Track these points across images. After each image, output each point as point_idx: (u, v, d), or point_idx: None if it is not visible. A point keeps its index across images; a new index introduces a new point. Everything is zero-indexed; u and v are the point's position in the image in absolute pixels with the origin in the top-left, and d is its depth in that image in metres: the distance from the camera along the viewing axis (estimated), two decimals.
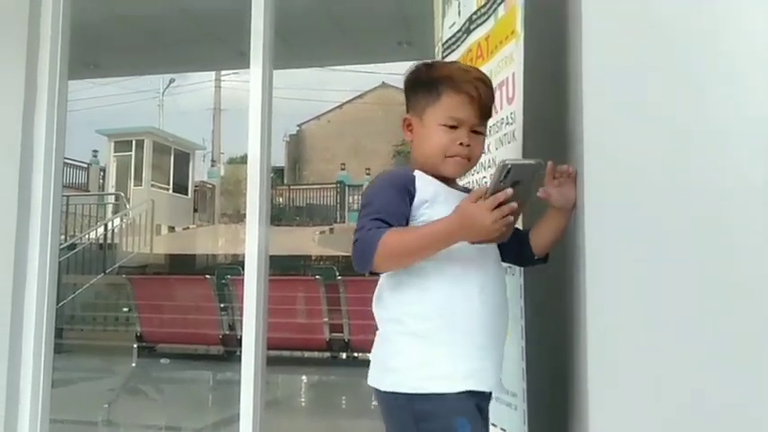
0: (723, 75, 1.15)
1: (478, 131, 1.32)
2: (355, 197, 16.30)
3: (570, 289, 1.47)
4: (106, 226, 8.97)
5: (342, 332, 4.20)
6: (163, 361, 4.48)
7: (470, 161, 1.33)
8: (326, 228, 11.37)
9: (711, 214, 1.12)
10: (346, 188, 16.43)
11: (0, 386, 2.82)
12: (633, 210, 1.16)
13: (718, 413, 1.09)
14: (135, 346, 4.47)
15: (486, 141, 1.77)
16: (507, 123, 1.66)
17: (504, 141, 1.68)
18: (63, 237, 6.71)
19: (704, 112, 1.15)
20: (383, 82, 19.45)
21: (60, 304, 4.10)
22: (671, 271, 1.13)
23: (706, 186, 1.13)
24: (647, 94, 1.18)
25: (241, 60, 2.95)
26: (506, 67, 1.66)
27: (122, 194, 10.49)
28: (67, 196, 9.05)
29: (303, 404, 5.03)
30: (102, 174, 14.90)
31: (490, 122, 1.75)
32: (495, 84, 1.72)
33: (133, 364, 4.68)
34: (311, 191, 17.23)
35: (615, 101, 1.20)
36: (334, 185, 16.57)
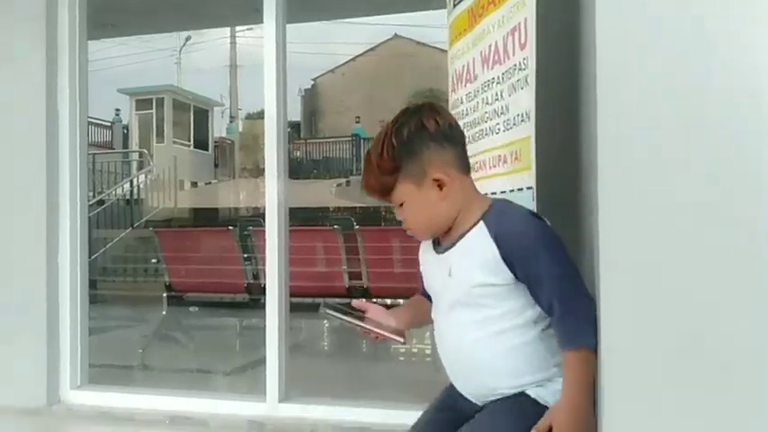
0: (739, 17, 1.11)
1: (399, 204, 1.32)
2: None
3: (583, 243, 1.51)
4: (132, 182, 9.13)
5: (360, 279, 4.32)
6: (192, 309, 4.64)
7: (411, 230, 1.36)
8: (343, 180, 11.42)
9: (730, 167, 1.10)
10: (361, 141, 16.41)
11: (40, 334, 3.00)
12: (648, 154, 1.13)
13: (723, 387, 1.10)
14: (164, 295, 4.63)
15: (500, 88, 1.79)
16: (520, 69, 1.66)
17: (516, 87, 1.69)
18: (91, 193, 6.86)
19: (719, 54, 1.11)
20: (395, 34, 19.05)
21: (93, 257, 4.27)
22: (685, 223, 1.11)
23: (722, 133, 1.10)
24: (661, 35, 1.13)
25: (255, 16, 2.97)
26: (518, 13, 1.66)
27: (146, 151, 10.63)
28: (93, 154, 9.20)
29: (326, 348, 5.21)
30: (125, 132, 15.06)
31: (502, 69, 1.77)
32: (507, 30, 1.72)
33: (164, 312, 4.85)
34: (327, 144, 17.22)
35: (628, 43, 1.16)
36: (350, 139, 16.53)
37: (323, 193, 10.03)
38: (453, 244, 1.30)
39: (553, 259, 1.21)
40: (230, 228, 4.67)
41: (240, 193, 10.35)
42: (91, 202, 3.94)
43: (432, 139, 1.27)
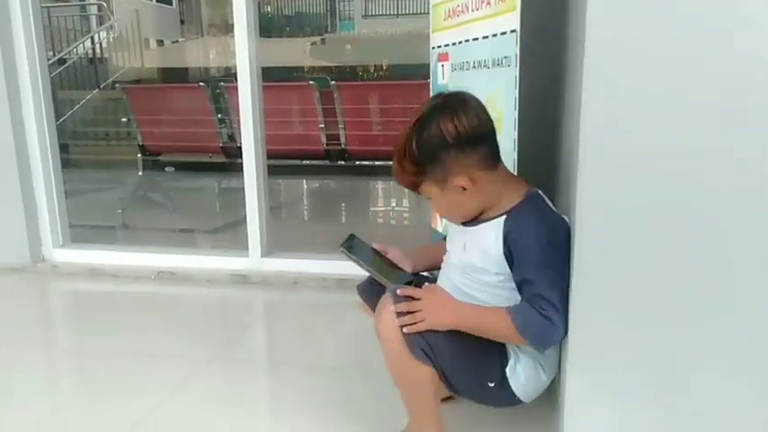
0: None
1: (428, 195, 1.33)
2: (345, 4, 15.39)
3: (568, 86, 1.48)
4: (93, 39, 8.63)
5: (338, 140, 4.27)
6: (168, 169, 4.61)
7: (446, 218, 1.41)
8: (318, 38, 10.93)
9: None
10: None
11: (15, 196, 2.98)
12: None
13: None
14: (139, 156, 4.56)
15: None
16: None
17: None
18: (50, 52, 6.50)
19: None
20: None
21: (60, 120, 4.13)
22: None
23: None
24: None
25: None
26: None
27: (104, 4, 9.89)
28: (47, 7, 8.55)
29: (305, 208, 5.29)
30: None
31: None
32: None
33: (140, 173, 4.82)
34: None
35: None
36: None
37: (296, 52, 9.64)
38: (476, 224, 1.33)
39: (545, 255, 1.23)
40: (201, 83, 4.50)
41: (210, 52, 9.89)
42: (51, 61, 3.71)
43: (452, 146, 1.24)
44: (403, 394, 1.38)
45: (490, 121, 1.29)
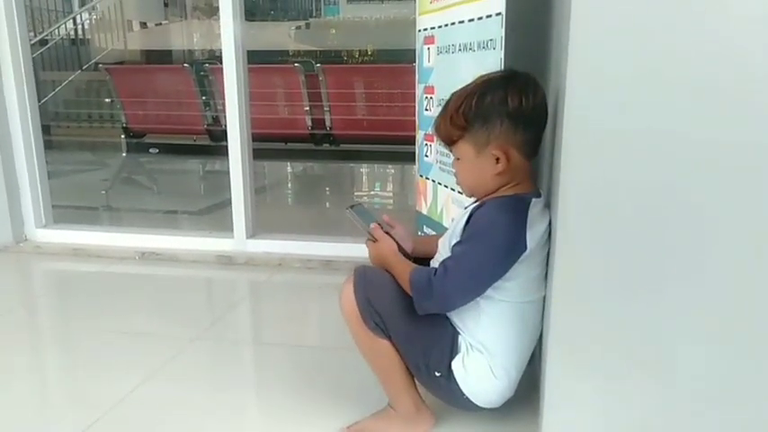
0: None
1: (456, 157, 1.36)
2: None
3: (551, 70, 1.49)
4: (74, 20, 8.50)
5: (324, 124, 4.25)
6: (152, 150, 4.57)
7: (459, 184, 1.40)
8: (302, 23, 10.82)
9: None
10: None
11: None
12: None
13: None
14: (122, 137, 4.52)
15: None
16: None
17: None
18: (32, 33, 6.39)
19: None
20: None
21: (42, 101, 4.08)
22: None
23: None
24: None
25: None
26: None
27: None
28: None
29: (290, 191, 5.29)
30: None
31: None
32: None
33: (123, 155, 4.79)
34: None
35: None
36: None
37: (280, 36, 9.56)
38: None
39: (477, 243, 1.25)
40: (186, 65, 4.46)
41: (194, 35, 9.76)
42: (32, 42, 3.66)
43: (509, 116, 1.25)
44: (372, 369, 1.41)
45: (547, 115, 1.30)
